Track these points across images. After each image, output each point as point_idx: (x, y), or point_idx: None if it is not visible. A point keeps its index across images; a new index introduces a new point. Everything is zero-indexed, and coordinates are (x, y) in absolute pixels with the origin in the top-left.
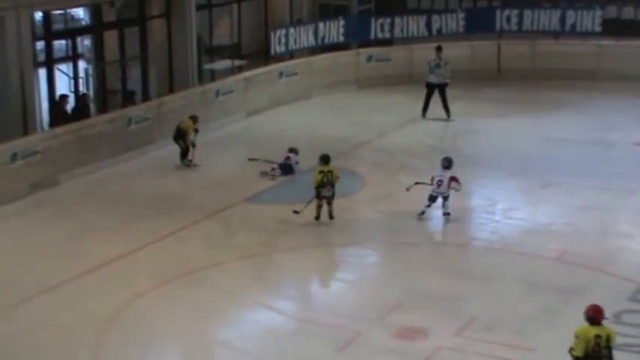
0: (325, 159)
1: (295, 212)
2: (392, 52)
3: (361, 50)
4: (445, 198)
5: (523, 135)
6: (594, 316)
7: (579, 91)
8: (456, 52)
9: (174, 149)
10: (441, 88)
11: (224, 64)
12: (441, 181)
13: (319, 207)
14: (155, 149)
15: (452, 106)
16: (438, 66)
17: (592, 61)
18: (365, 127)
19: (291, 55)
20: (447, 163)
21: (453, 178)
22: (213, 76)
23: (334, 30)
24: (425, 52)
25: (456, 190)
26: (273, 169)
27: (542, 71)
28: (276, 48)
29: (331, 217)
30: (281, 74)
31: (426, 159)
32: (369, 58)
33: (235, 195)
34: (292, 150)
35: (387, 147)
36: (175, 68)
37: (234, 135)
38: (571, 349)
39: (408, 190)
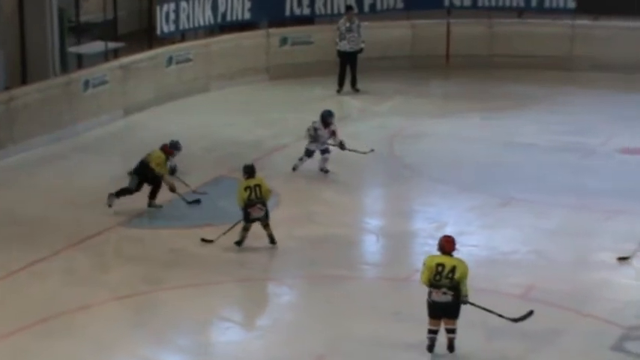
0: (249, 170)
1: (205, 241)
2: (313, 33)
3: (273, 30)
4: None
5: (478, 139)
6: (445, 245)
7: (549, 83)
8: (394, 33)
9: (29, 157)
10: (354, 55)
11: (95, 46)
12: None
13: (246, 230)
14: (3, 157)
15: (388, 102)
16: (349, 30)
17: (564, 45)
18: (279, 128)
19: (182, 36)
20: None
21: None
22: (81, 62)
23: (238, 4)
24: None
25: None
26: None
27: (501, 58)
28: (164, 27)
29: (272, 241)
30: (170, 60)
31: (358, 169)
32: (284, 41)
33: (110, 216)
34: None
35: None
36: (30, 52)
37: (108, 139)
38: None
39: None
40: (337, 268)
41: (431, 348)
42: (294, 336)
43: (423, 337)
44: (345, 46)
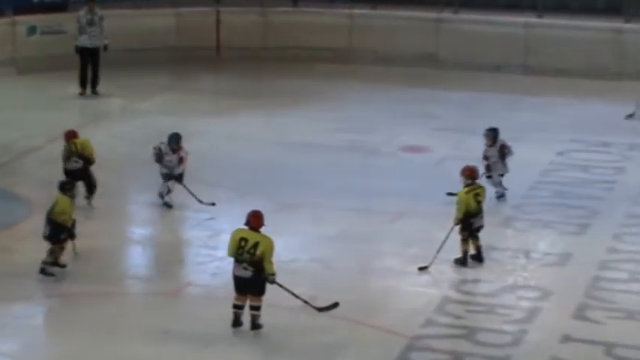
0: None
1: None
2: (66, 22)
3: (20, 18)
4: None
5: (254, 139)
6: (251, 220)
7: (328, 77)
8: (157, 22)
9: None
10: (96, 52)
11: None
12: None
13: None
14: None
15: (153, 99)
16: (91, 23)
17: (343, 36)
18: (29, 128)
19: None
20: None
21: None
22: None
23: None
24: (114, 22)
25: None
26: None
27: (277, 51)
28: None
29: (41, 270)
30: None
31: (121, 172)
32: (32, 30)
33: None
34: None
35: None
36: None
37: None
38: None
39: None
40: (99, 283)
41: (235, 323)
42: None
43: (198, 358)
44: (86, 41)
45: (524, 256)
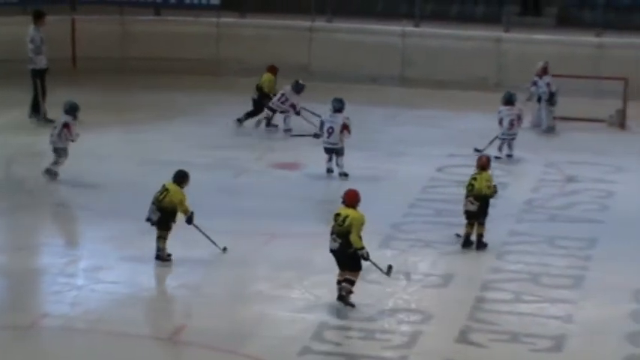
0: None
1: None
2: None
3: None
4: (338, 152)
5: (115, 158)
6: (347, 199)
7: (195, 90)
8: (8, 31)
9: None
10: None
11: None
12: (332, 128)
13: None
14: None
15: (6, 115)
16: (44, 41)
17: (210, 46)
18: None
19: None
20: (339, 105)
21: (345, 126)
22: None
23: None
24: None
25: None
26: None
27: (138, 62)
28: None
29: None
30: None
31: None
32: None
33: None
34: None
35: None
36: None
37: None
38: None
39: None
40: None
41: (340, 298)
42: None
43: None
44: (42, 61)
45: (404, 278)
